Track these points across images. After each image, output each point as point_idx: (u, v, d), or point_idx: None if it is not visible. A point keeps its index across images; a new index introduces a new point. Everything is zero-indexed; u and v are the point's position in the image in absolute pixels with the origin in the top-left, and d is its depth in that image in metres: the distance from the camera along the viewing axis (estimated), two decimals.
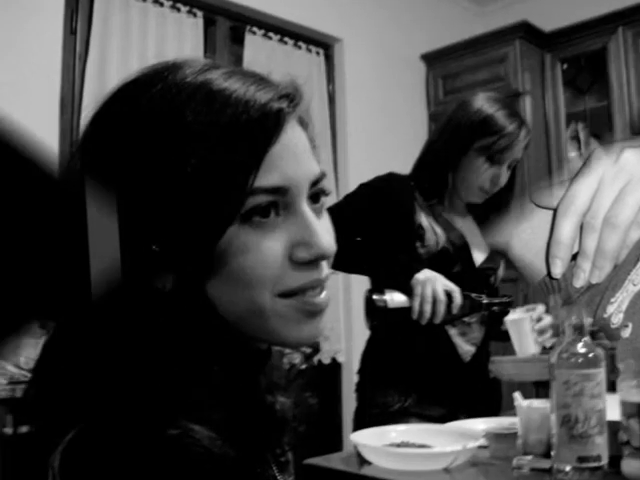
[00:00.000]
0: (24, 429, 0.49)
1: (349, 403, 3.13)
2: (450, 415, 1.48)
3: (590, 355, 0.97)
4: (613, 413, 1.00)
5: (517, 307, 1.51)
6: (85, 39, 2.64)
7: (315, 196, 0.55)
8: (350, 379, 3.08)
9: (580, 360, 0.97)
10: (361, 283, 1.65)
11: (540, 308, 1.52)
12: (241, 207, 0.49)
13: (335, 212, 0.83)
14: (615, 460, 0.98)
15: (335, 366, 3.34)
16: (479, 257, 1.62)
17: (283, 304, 0.52)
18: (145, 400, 0.46)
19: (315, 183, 0.54)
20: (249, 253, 0.50)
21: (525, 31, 3.51)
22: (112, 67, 2.63)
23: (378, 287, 1.42)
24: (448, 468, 1.10)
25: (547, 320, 1.50)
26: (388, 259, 1.52)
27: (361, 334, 1.70)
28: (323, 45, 3.49)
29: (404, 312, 1.39)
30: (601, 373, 0.97)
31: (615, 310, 0.95)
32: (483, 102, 1.55)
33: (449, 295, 1.40)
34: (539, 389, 2.48)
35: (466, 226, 1.63)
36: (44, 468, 0.45)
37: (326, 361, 3.25)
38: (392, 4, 3.75)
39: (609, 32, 3.38)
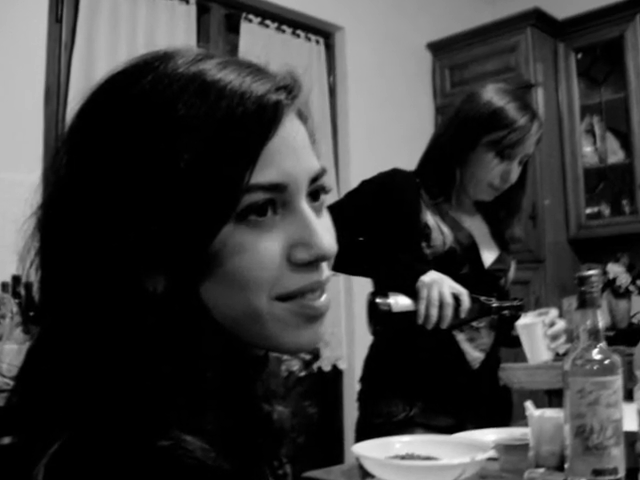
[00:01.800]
0: (6, 440, 0.49)
1: (351, 412, 3.13)
2: (458, 425, 1.48)
3: (606, 362, 0.97)
4: (630, 423, 1.00)
5: (529, 311, 1.51)
6: (71, 27, 2.64)
7: (315, 193, 0.55)
8: (352, 387, 3.08)
9: (595, 367, 0.97)
10: (363, 286, 1.65)
11: (553, 312, 1.52)
12: (236, 205, 0.49)
13: (336, 210, 0.83)
14: (632, 473, 0.98)
15: (336, 373, 3.34)
16: (488, 258, 1.62)
17: (281, 308, 0.52)
18: (134, 409, 0.46)
19: (315, 180, 0.55)
20: (245, 254, 0.50)
21: (537, 19, 3.51)
22: (100, 57, 2.63)
23: (381, 290, 1.42)
24: None
25: (560, 325, 1.50)
26: (392, 260, 1.52)
27: (363, 340, 1.70)
28: (323, 33, 3.49)
29: (409, 316, 1.39)
30: (618, 381, 0.97)
31: None
32: (493, 94, 1.55)
33: (457, 298, 1.40)
34: (552, 398, 2.49)
35: (475, 225, 1.63)
36: None
37: (326, 368, 3.25)
38: None
39: (626, 20, 3.38)
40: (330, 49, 3.54)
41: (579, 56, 3.60)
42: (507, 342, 1.63)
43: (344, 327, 3.30)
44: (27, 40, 2.48)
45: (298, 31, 3.35)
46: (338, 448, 3.28)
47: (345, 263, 1.23)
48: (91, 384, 0.47)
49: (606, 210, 3.55)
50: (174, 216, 0.48)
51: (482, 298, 1.44)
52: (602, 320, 1.00)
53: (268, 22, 3.23)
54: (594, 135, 3.60)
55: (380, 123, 3.58)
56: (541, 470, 1.12)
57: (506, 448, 1.28)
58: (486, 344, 1.60)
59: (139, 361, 0.48)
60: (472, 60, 3.71)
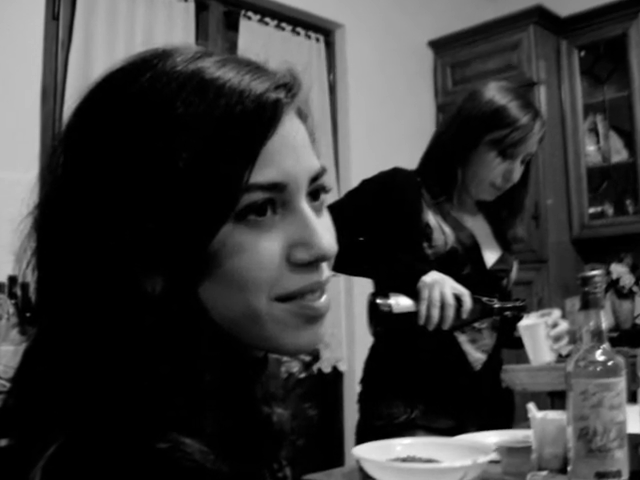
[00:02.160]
0: (3, 442, 0.49)
1: (351, 415, 3.13)
2: (459, 427, 1.48)
3: (609, 363, 0.97)
4: (634, 425, 1.00)
5: (531, 312, 1.51)
6: (68, 25, 2.64)
7: (315, 193, 0.55)
8: (352, 389, 3.08)
9: (599, 369, 0.97)
10: (364, 286, 1.65)
11: (556, 313, 1.52)
12: (235, 204, 0.49)
13: (336, 210, 0.83)
14: (636, 475, 0.98)
15: (336, 375, 3.34)
16: (490, 258, 1.62)
17: (280, 309, 0.52)
18: (132, 411, 0.46)
19: (315, 179, 0.55)
20: (244, 254, 0.50)
21: (540, 16, 3.51)
22: (97, 55, 2.63)
23: (382, 290, 1.42)
24: None
25: (563, 326, 1.50)
26: (392, 260, 1.52)
27: (364, 341, 1.70)
28: (323, 31, 3.49)
29: (410, 317, 1.39)
30: (621, 382, 0.97)
31: None
32: (495, 92, 1.55)
33: (458, 299, 1.40)
34: (555, 400, 2.49)
35: (476, 225, 1.63)
36: None
37: (326, 370, 3.25)
38: None
39: (629, 17, 3.38)
40: (330, 47, 3.53)
41: (582, 54, 3.60)
42: (509, 343, 1.63)
43: (344, 328, 3.30)
44: (24, 38, 2.48)
45: (298, 29, 3.35)
46: (338, 450, 3.28)
47: (345, 263, 1.23)
48: (88, 386, 0.47)
49: (609, 210, 3.55)
50: (172, 215, 0.48)
51: (484, 299, 1.44)
52: (605, 321, 1.00)
53: (267, 20, 3.23)
54: (597, 134, 3.60)
55: (381, 121, 3.58)
56: (544, 473, 1.12)
57: (508, 450, 1.28)
58: (488, 345, 1.60)
59: (137, 362, 0.48)
60: (474, 58, 3.71)
